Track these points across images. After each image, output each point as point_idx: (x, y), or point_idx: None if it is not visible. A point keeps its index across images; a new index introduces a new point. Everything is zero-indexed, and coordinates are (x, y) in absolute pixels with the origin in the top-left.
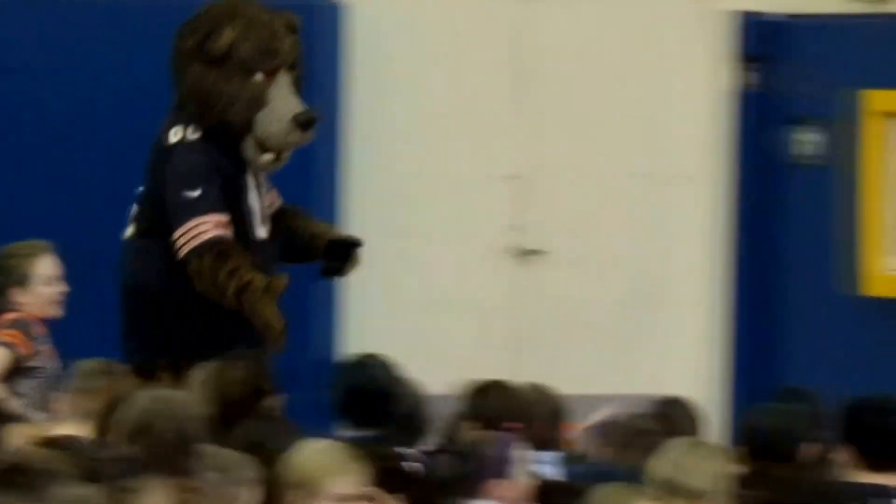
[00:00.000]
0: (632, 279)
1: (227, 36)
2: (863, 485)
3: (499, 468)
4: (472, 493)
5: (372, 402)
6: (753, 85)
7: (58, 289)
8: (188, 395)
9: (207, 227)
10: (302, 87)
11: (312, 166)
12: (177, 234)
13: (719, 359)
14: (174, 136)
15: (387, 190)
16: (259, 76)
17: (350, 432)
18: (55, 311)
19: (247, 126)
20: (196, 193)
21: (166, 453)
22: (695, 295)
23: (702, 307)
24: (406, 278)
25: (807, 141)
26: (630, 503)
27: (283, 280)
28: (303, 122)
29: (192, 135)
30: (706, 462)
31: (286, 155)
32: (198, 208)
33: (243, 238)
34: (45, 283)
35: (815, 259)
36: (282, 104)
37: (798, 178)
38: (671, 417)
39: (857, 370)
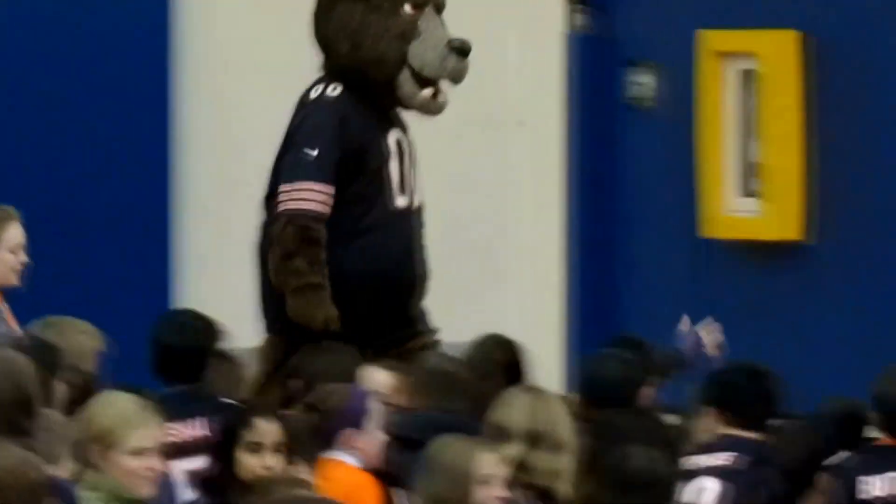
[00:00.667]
0: (467, 226)
1: None
2: (731, 437)
3: (355, 420)
4: (328, 445)
5: (184, 358)
6: (587, 27)
7: (21, 258)
8: (24, 356)
9: (311, 195)
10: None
11: (144, 119)
12: (281, 188)
13: (557, 305)
14: (314, 92)
15: (218, 143)
16: (407, 9)
17: (167, 388)
18: (15, 280)
19: (401, 59)
20: (313, 153)
21: (4, 413)
22: (531, 241)
23: (539, 253)
24: (238, 230)
25: (642, 83)
26: (473, 455)
27: (335, 320)
28: (458, 48)
29: (332, 92)
30: (561, 410)
31: (443, 95)
32: (309, 170)
33: (375, 206)
34: (10, 249)
35: (653, 202)
36: (434, 33)
37: (634, 121)
38: (487, 358)
39: (698, 312)
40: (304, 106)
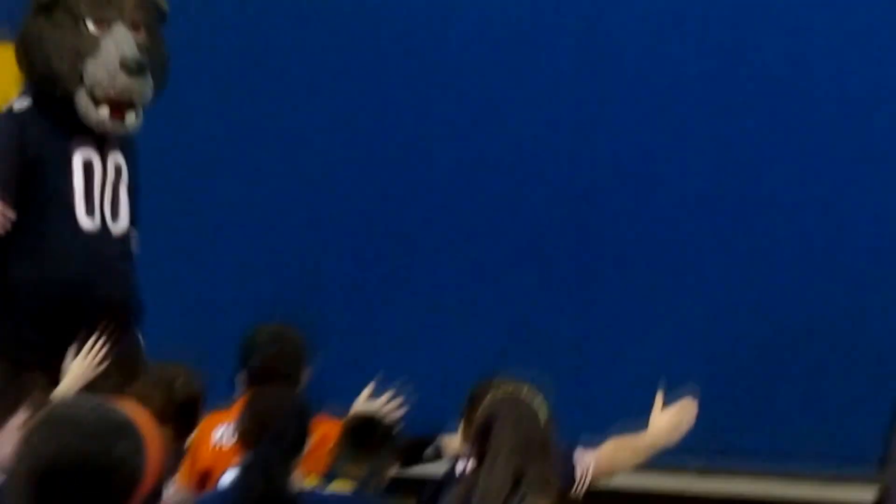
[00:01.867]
0: None
1: None
2: None
3: None
4: None
5: None
6: None
7: None
8: None
9: None
10: (159, 49)
11: None
12: None
13: None
14: (6, 106)
15: None
16: (90, 25)
17: None
18: None
19: (76, 76)
20: None
21: None
22: None
23: None
24: None
25: None
26: None
27: None
28: (130, 67)
29: (19, 105)
30: None
31: (131, 114)
32: None
33: (53, 224)
34: None
35: None
36: (111, 51)
37: None
38: None
39: None
40: None
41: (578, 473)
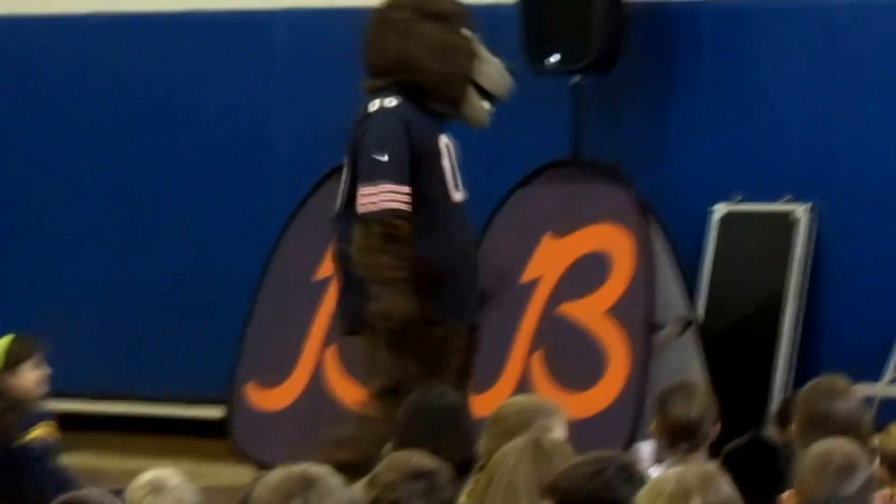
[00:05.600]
0: None
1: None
2: None
3: None
4: None
5: None
6: None
7: None
8: None
9: (393, 196)
10: None
11: None
12: (364, 189)
13: None
14: (371, 107)
15: None
16: (465, 31)
17: None
18: None
19: (468, 75)
20: (384, 158)
21: None
22: None
23: None
24: None
25: None
26: None
27: (410, 312)
28: (511, 70)
29: (390, 104)
30: None
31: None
32: (388, 173)
33: (439, 202)
34: None
35: None
36: (490, 55)
37: None
38: None
39: None
40: (366, 119)
41: None
